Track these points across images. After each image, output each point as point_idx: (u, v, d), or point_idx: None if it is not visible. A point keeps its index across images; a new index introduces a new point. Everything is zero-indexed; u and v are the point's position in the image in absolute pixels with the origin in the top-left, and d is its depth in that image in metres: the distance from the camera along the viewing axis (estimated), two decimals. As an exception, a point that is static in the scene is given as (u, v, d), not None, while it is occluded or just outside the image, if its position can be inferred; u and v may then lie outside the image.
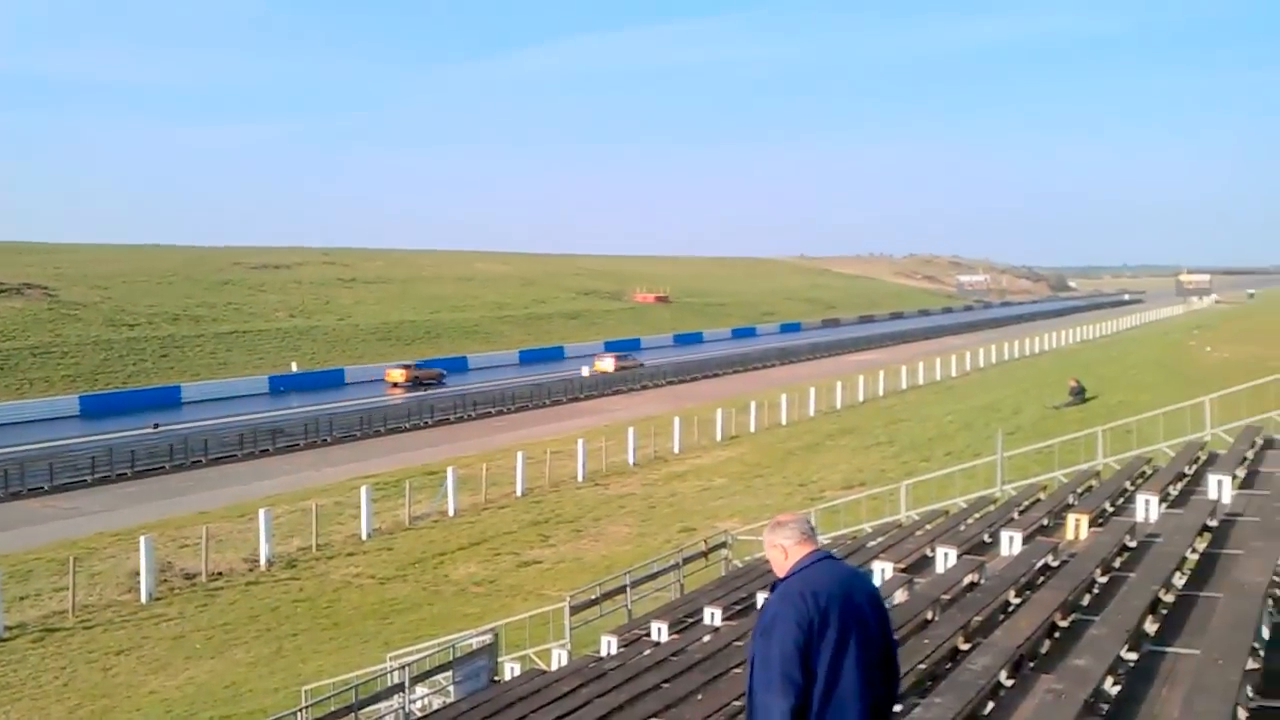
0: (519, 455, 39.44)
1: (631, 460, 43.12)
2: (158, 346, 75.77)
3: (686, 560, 23.54)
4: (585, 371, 76.73)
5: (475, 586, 27.62)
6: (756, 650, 4.52)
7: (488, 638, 19.32)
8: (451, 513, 35.60)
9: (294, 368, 77.05)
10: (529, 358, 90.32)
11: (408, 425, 55.37)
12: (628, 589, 21.23)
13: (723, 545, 25.07)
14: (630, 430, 44.86)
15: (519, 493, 38.08)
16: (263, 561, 30.06)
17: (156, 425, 52.92)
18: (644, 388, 72.03)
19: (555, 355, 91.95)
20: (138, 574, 27.66)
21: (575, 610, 20.09)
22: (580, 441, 42.36)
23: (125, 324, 78.68)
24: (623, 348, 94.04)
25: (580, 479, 40.19)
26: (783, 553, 4.71)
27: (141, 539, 27.94)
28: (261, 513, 30.89)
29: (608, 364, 78.18)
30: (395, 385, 71.50)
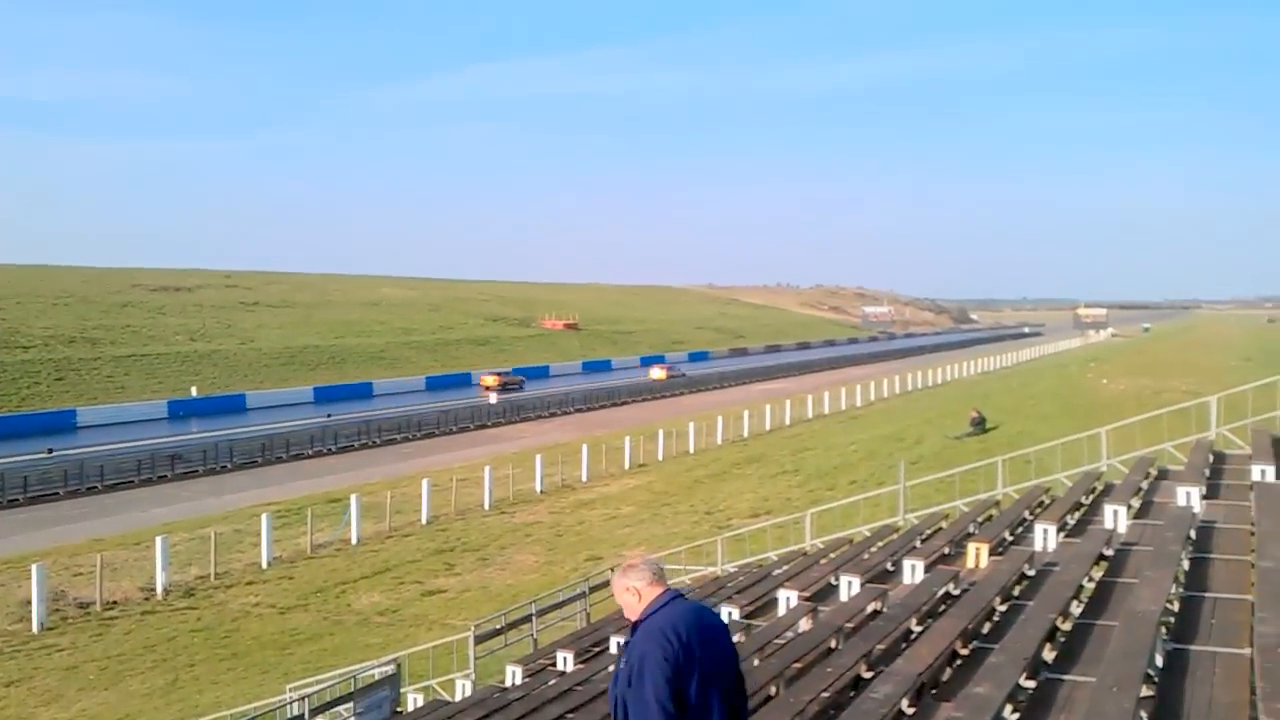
0: (425, 483, 38.99)
1: (539, 488, 42.89)
2: (53, 369, 73.72)
3: (593, 589, 23.42)
4: (653, 374, 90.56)
5: (378, 616, 27.18)
6: (630, 691, 4.72)
7: (390, 668, 19.00)
8: (355, 541, 35.03)
9: (194, 392, 75.41)
10: (436, 384, 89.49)
11: (310, 452, 54.49)
12: (533, 618, 21.06)
13: (629, 574, 24.95)
14: (538, 458, 44.68)
15: (424, 520, 37.62)
16: (159, 590, 29.27)
17: (50, 450, 51.37)
18: (552, 415, 71.84)
19: (463, 381, 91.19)
20: (29, 603, 26.70)
21: (480, 640, 19.87)
22: (487, 469, 42.01)
23: (19, 345, 76.48)
24: (531, 374, 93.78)
25: (487, 507, 39.85)
26: (636, 595, 4.93)
27: (33, 567, 26.99)
28: (158, 540, 30.07)
29: (658, 373, 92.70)
30: (488, 389, 79.40)
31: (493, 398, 74.85)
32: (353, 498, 36.30)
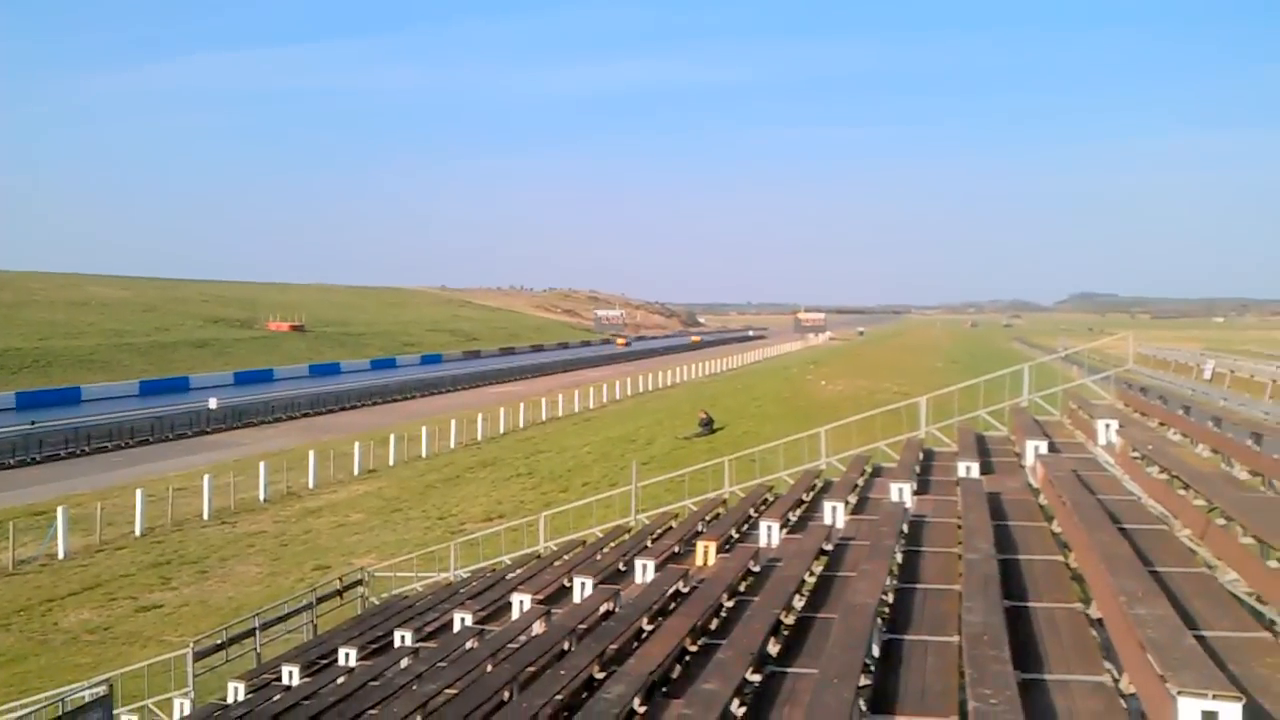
0: (139, 493, 36.87)
1: (263, 496, 41.26)
2: None
3: (320, 599, 22.78)
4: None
5: (88, 634, 25.47)
6: None
7: (101, 689, 17.83)
8: (62, 555, 32.72)
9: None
10: (151, 389, 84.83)
11: (13, 461, 50.65)
12: (257, 632, 20.32)
13: (359, 583, 24.45)
14: (262, 465, 42.96)
15: (139, 532, 35.54)
16: None
17: None
18: (278, 420, 69.39)
19: (180, 386, 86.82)
20: None
21: (199, 656, 19.00)
22: (207, 477, 40.12)
23: None
24: (254, 379, 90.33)
25: (207, 517, 38.01)
26: None
27: None
28: None
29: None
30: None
31: None
32: (59, 509, 33.94)
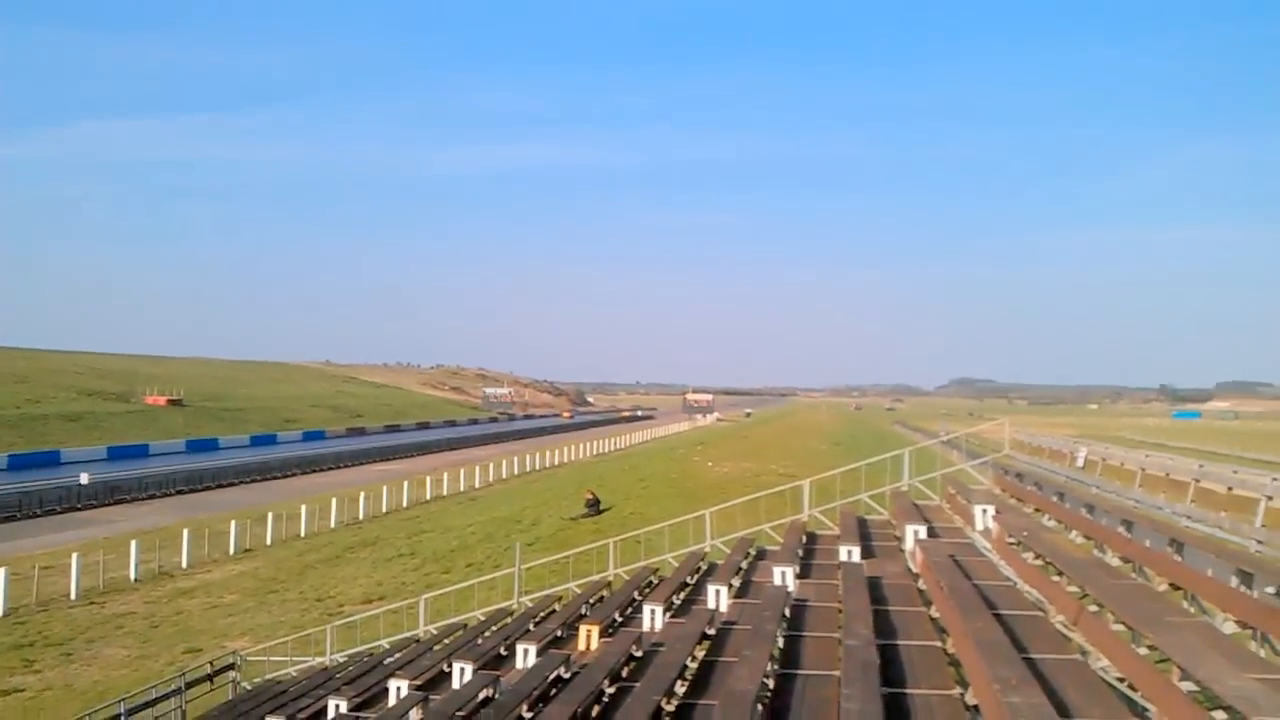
0: (2, 571, 35.29)
1: (134, 575, 39.81)
2: None
3: (190, 684, 22.01)
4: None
5: (-63, 724, 24.19)
6: None
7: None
8: (-88, 639, 31.11)
9: None
10: (20, 463, 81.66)
11: None
12: (122, 718, 19.50)
13: (231, 667, 23.68)
14: (134, 543, 41.50)
15: (1, 613, 33.99)
16: None
17: None
18: (152, 496, 67.28)
19: (51, 460, 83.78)
20: None
21: (57, 746, 18.16)
22: (75, 555, 38.61)
23: None
24: (129, 454, 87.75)
25: (74, 596, 36.51)
26: None
27: None
28: None
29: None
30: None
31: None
32: (-89, 590, 32.34)
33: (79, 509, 60.73)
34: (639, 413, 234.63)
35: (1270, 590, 10.40)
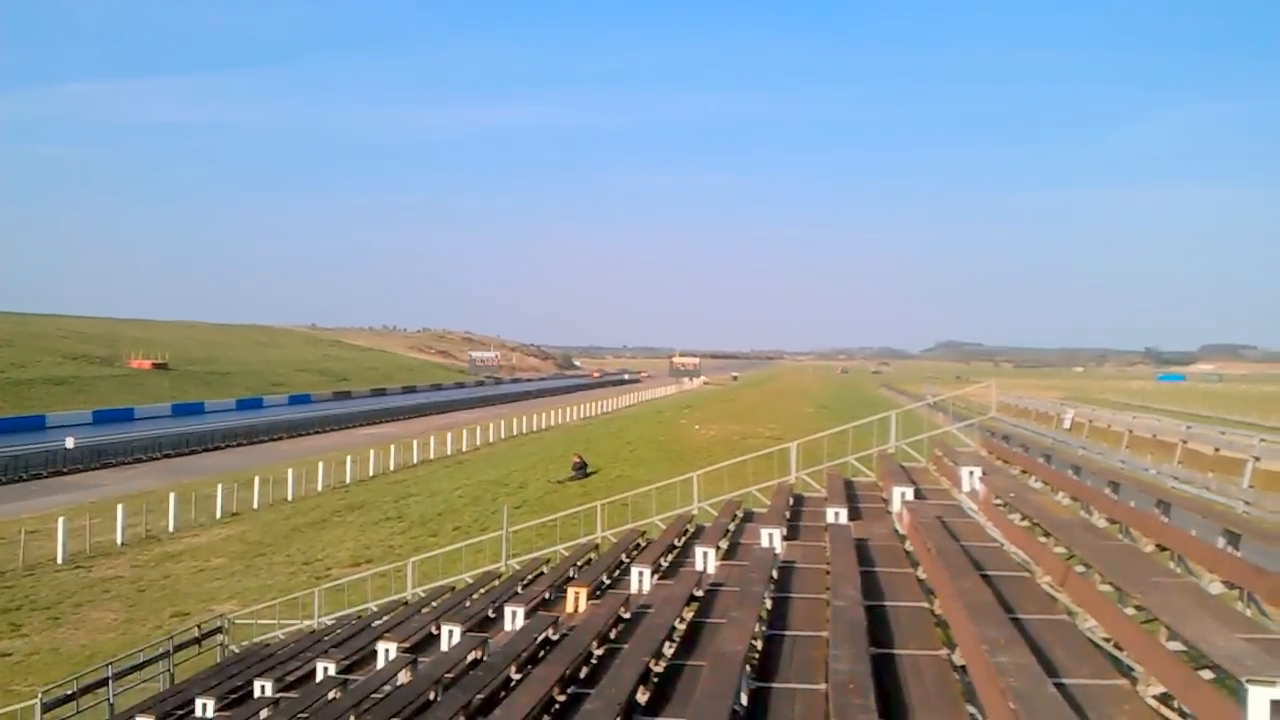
0: (-14, 535, 35.28)
1: (120, 540, 39.75)
2: None
3: (178, 647, 22.02)
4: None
5: (-76, 688, 24.16)
6: None
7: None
8: (-103, 603, 31.05)
9: None
10: (5, 427, 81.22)
11: None
12: (110, 681, 19.53)
13: (218, 630, 23.69)
14: (120, 507, 41.43)
15: (-15, 578, 33.95)
16: None
17: None
18: (138, 461, 67.13)
19: (36, 425, 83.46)
20: None
21: (49, 708, 18.22)
22: (61, 519, 38.52)
23: None
24: (114, 418, 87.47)
25: (60, 561, 36.46)
26: None
27: None
28: None
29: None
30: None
31: None
32: (-105, 555, 32.24)
33: (64, 473, 60.57)
34: (625, 376, 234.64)
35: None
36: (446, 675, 12.11)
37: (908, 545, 14.26)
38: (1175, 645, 7.94)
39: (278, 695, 15.62)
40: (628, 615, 13.24)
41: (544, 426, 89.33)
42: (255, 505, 48.24)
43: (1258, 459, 18.17)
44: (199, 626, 23.71)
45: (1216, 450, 20.24)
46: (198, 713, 16.07)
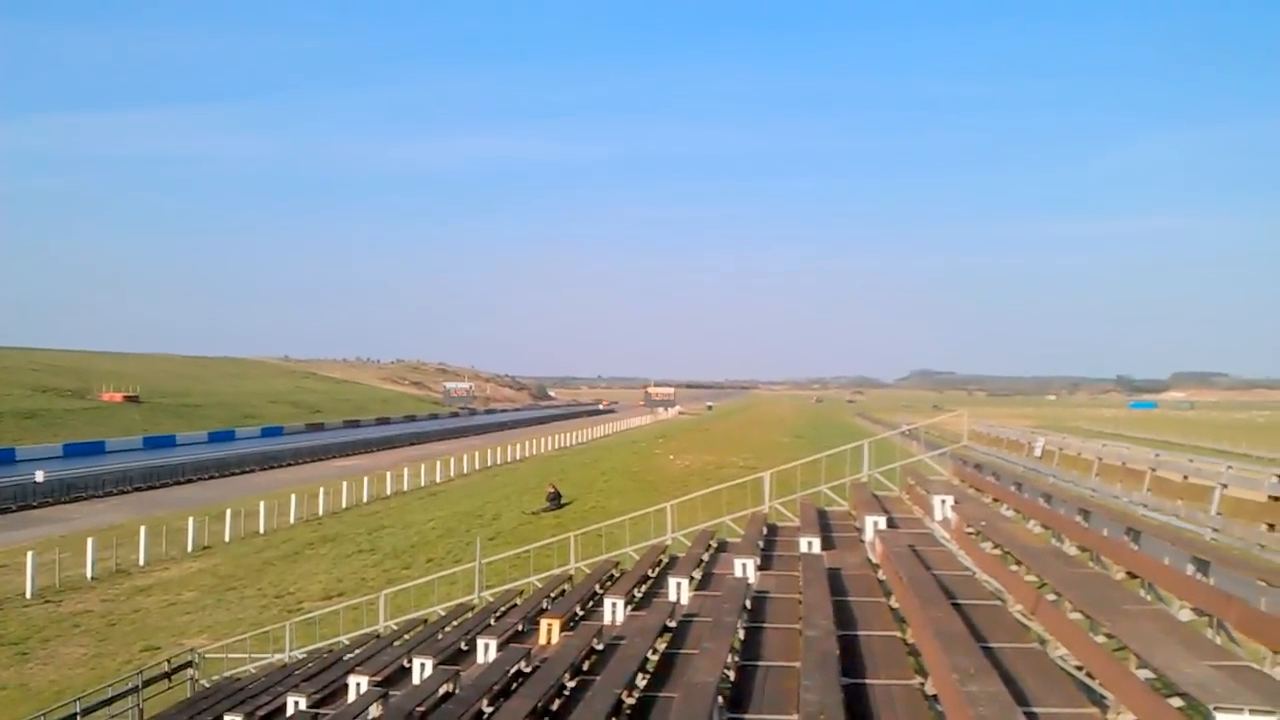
0: (-48, 571, 34.84)
1: (90, 574, 39.34)
2: None
3: (148, 682, 21.81)
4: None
5: (-112, 726, 23.79)
6: None
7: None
8: None
9: None
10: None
11: None
12: (78, 717, 19.32)
13: (189, 665, 23.47)
14: (90, 540, 41.01)
15: (-50, 614, 33.50)
16: None
17: None
18: (109, 494, 66.51)
19: (5, 458, 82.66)
20: None
21: (11, 747, 17.94)
22: (30, 553, 38.10)
23: None
24: (85, 451, 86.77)
25: (29, 595, 36.05)
26: None
27: None
28: None
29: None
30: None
31: None
32: None
33: (34, 507, 59.95)
34: (600, 406, 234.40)
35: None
36: (418, 709, 12.02)
37: (880, 574, 14.27)
38: (1145, 673, 7.97)
39: (247, 730, 15.49)
40: (600, 646, 13.19)
41: (518, 457, 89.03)
42: (227, 538, 47.85)
43: (1225, 486, 18.27)
44: (169, 661, 23.48)
45: (1185, 478, 20.36)
46: (166, 749, 15.93)
